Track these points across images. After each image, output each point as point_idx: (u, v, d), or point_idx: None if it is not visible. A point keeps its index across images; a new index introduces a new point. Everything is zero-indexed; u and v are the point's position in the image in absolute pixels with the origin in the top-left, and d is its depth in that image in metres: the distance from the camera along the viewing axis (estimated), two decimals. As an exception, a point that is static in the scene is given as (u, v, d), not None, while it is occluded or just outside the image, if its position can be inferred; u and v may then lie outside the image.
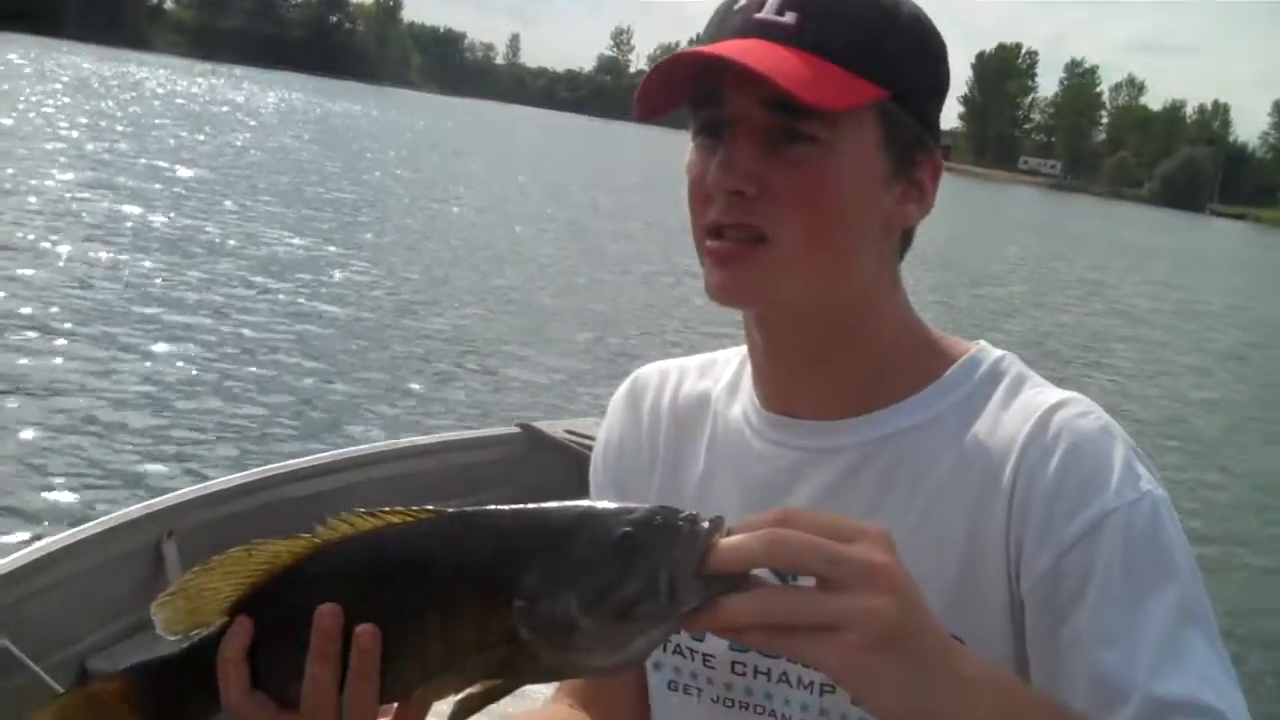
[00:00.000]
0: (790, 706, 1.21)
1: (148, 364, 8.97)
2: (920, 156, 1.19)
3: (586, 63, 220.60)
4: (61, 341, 9.10)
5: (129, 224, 14.97)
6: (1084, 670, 1.07)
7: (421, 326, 12.04)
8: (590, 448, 1.47)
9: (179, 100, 47.92)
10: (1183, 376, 17.19)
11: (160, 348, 9.48)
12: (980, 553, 1.14)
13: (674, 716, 1.31)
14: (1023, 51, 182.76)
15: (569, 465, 4.34)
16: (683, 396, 1.37)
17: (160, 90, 52.24)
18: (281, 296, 12.25)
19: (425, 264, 15.96)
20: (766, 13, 1.12)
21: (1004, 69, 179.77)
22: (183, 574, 2.92)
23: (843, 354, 1.22)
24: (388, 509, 0.93)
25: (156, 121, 33.34)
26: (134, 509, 3.27)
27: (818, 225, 1.13)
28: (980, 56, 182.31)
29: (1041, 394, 1.19)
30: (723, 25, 1.15)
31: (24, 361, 8.43)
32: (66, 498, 6.27)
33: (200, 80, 66.44)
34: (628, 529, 0.86)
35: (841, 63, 1.11)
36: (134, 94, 46.43)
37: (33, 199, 15.61)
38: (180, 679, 0.97)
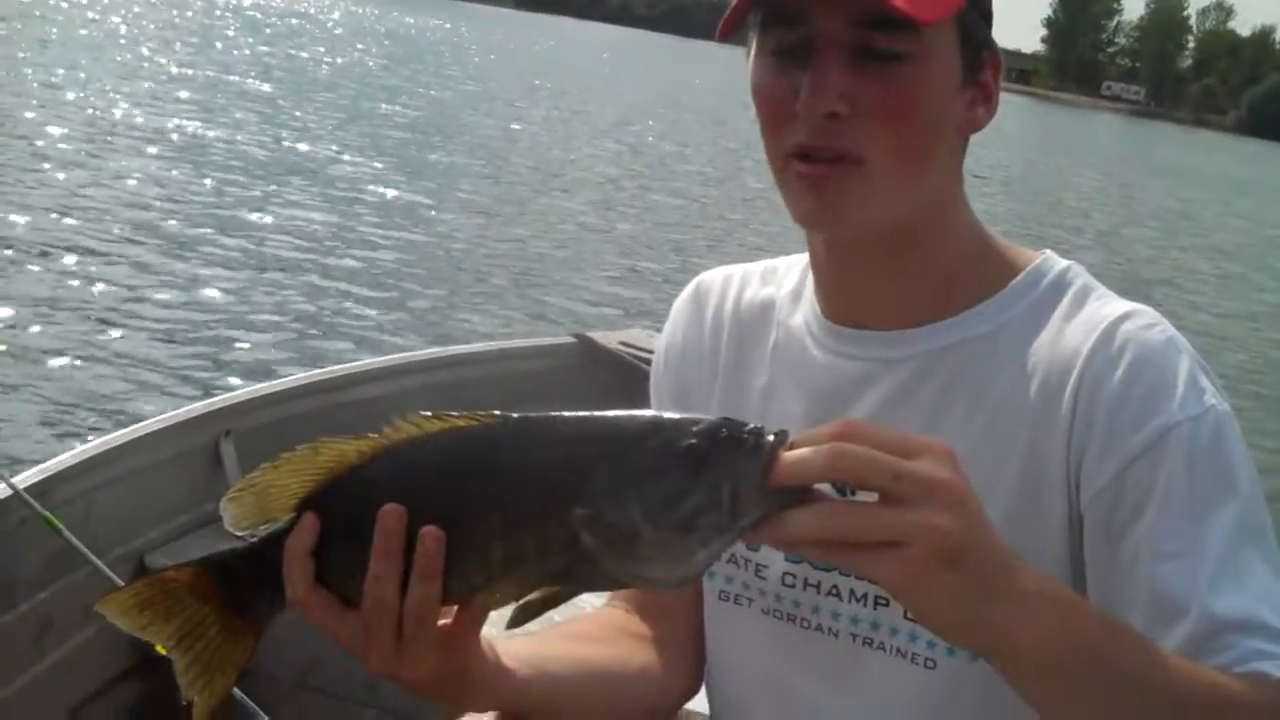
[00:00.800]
0: (839, 621, 1.22)
1: (208, 270, 9.05)
2: (986, 55, 1.18)
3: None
4: (125, 249, 9.20)
5: (190, 138, 15.03)
6: (1143, 583, 1.06)
7: (481, 238, 12.04)
8: (644, 360, 1.46)
9: (248, 11, 47.65)
10: (1269, 316, 16.51)
11: (221, 254, 9.58)
12: (1041, 464, 1.14)
13: (724, 627, 1.32)
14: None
15: (623, 376, 4.34)
16: (745, 303, 1.37)
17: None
18: (341, 208, 12.29)
19: (487, 179, 15.93)
20: None
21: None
22: (240, 473, 2.96)
23: (910, 264, 1.21)
24: (454, 413, 0.93)
25: (220, 34, 33.26)
26: (193, 407, 3.31)
27: (909, 142, 1.13)
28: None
29: (1107, 305, 1.18)
30: None
31: (89, 268, 8.51)
32: (127, 395, 6.37)
33: None
34: (692, 440, 0.86)
35: None
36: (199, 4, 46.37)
37: (96, 111, 15.63)
38: (248, 572, 0.98)
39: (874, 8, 1.07)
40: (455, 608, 0.97)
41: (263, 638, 1.00)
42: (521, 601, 0.93)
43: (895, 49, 1.10)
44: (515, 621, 0.94)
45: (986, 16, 1.18)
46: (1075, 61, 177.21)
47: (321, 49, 34.17)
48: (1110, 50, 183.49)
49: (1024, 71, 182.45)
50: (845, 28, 1.10)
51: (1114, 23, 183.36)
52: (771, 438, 0.85)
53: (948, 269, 1.22)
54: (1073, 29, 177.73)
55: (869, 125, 1.11)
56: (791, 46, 1.13)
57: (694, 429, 0.87)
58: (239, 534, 0.97)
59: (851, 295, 1.25)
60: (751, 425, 0.86)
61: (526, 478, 0.90)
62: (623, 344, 4.64)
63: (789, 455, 0.84)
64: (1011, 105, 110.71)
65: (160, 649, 0.98)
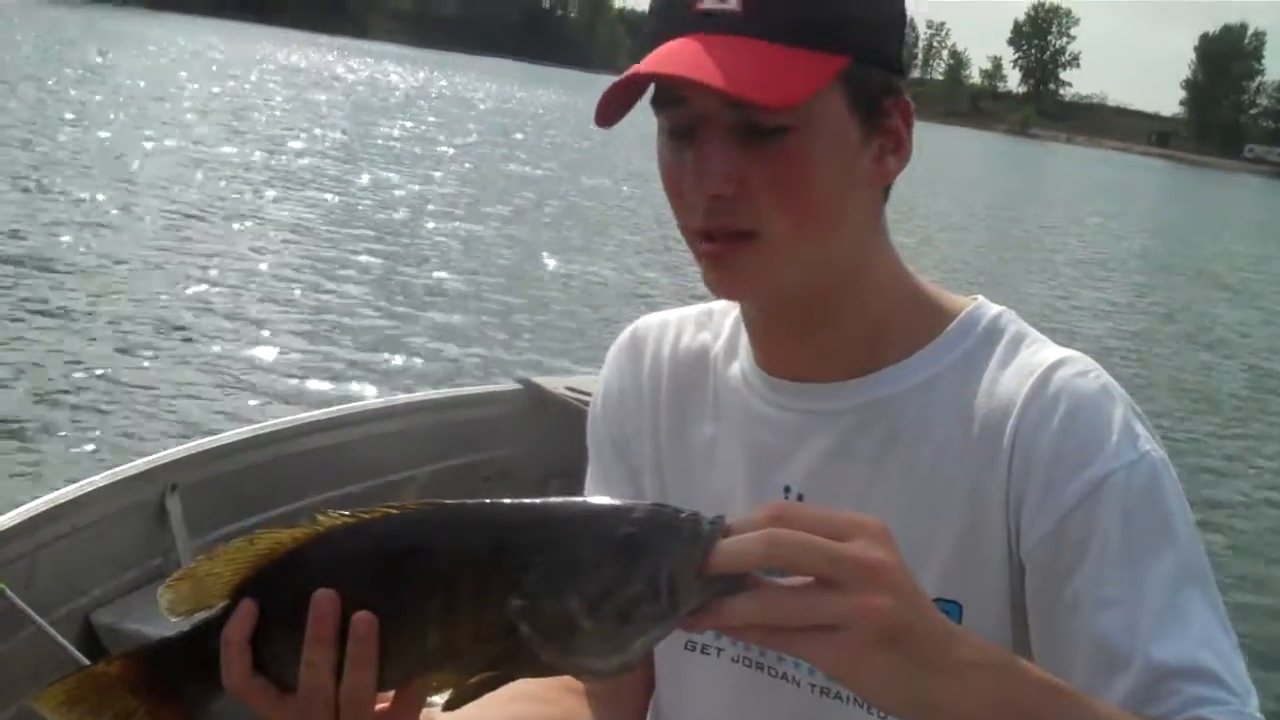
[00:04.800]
0: (800, 669, 1.22)
1: (147, 324, 8.94)
2: (888, 104, 1.16)
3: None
4: (70, 303, 9.09)
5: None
6: (1084, 633, 1.07)
7: (425, 283, 12.00)
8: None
9: (389, 88, 48.28)
10: None
11: (161, 309, 9.47)
12: (981, 514, 1.14)
13: (688, 677, 1.31)
14: (1249, 33, 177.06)
15: (570, 422, 4.31)
16: (683, 349, 1.36)
17: (374, 77, 53.12)
18: (279, 258, 12.20)
19: (427, 225, 15.86)
20: (710, 1, 1.09)
21: (1229, 51, 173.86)
22: (185, 528, 2.93)
23: (837, 318, 1.21)
24: (390, 504, 0.94)
25: (355, 108, 33.70)
26: (137, 463, 3.28)
27: (803, 210, 1.12)
28: (1204, 38, 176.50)
29: (1041, 352, 1.18)
30: (668, 19, 1.12)
31: (33, 320, 8.42)
32: (69, 452, 6.28)
33: (404, 68, 66.92)
34: (630, 528, 0.86)
35: (794, 41, 1.08)
36: (347, 80, 47.54)
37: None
38: (181, 661, 0.98)
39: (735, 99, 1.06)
40: (392, 693, 0.96)
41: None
42: (458, 686, 0.93)
43: (775, 124, 1.09)
44: (452, 705, 0.94)
45: (886, 61, 1.15)
46: (1216, 124, 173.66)
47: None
48: (1252, 111, 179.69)
49: (1163, 134, 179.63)
50: (722, 108, 1.09)
51: (1256, 84, 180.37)
52: (708, 524, 0.85)
53: (877, 320, 1.21)
54: (1213, 91, 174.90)
55: (758, 201, 1.10)
56: (679, 128, 1.13)
57: (630, 516, 0.87)
58: (175, 620, 0.97)
59: (783, 350, 1.25)
60: (688, 512, 0.86)
61: (462, 566, 0.90)
62: (569, 389, 4.65)
63: (725, 543, 0.84)
64: (1151, 170, 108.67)
65: None
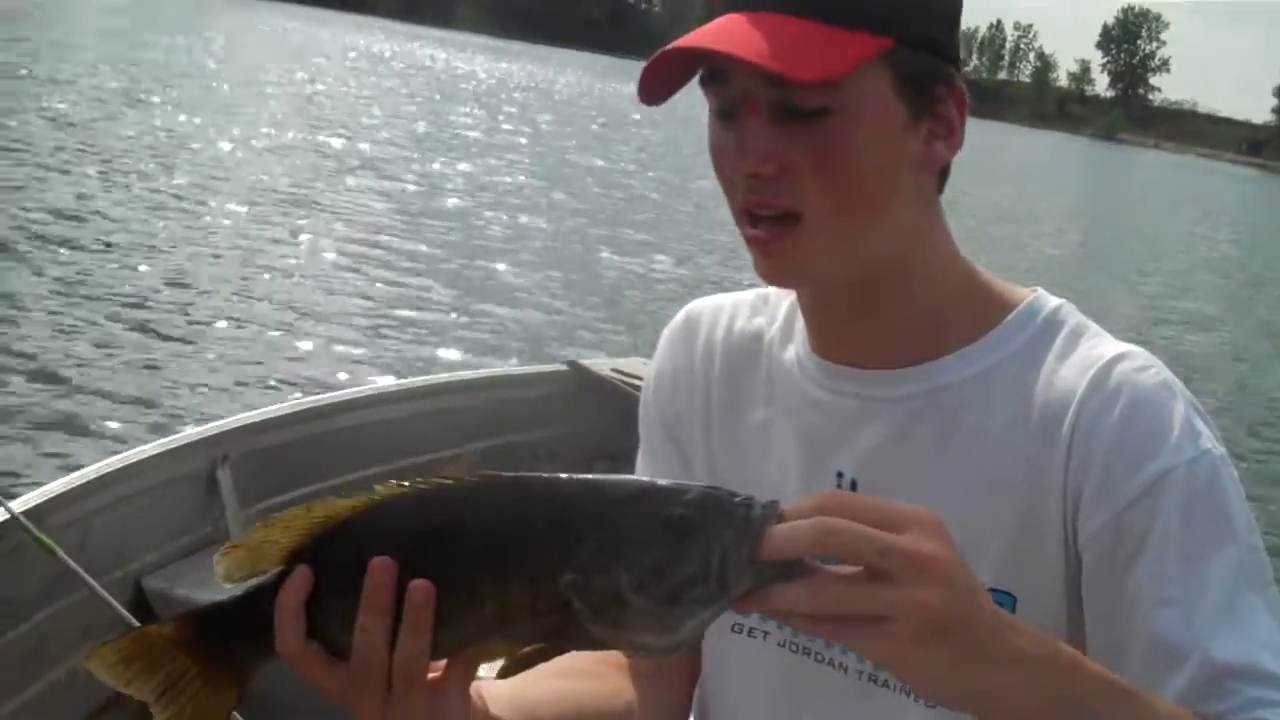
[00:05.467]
0: (848, 656, 1.22)
1: (203, 296, 9.07)
2: (940, 90, 1.15)
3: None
4: (127, 274, 9.24)
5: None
6: (1141, 629, 1.06)
7: (480, 268, 12.06)
8: (636, 387, 1.46)
9: (469, 77, 48.76)
10: None
11: (216, 280, 9.60)
12: (1037, 506, 1.14)
13: (733, 659, 1.31)
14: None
15: (615, 404, 4.35)
16: (737, 333, 1.35)
17: (455, 66, 53.74)
18: (330, 238, 12.32)
19: (478, 205, 15.94)
20: None
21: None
22: (236, 498, 2.99)
23: (893, 304, 1.20)
24: (446, 475, 0.94)
25: (433, 97, 33.93)
26: (190, 433, 3.34)
27: (845, 192, 1.11)
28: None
29: (1100, 345, 1.18)
30: None
31: (89, 292, 8.55)
32: (124, 420, 6.39)
33: (486, 58, 67.37)
34: (684, 510, 0.87)
35: (834, 20, 1.08)
36: (428, 68, 48.12)
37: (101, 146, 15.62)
38: (234, 625, 0.99)
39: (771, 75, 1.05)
40: (444, 661, 0.97)
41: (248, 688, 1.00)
42: (509, 656, 0.94)
43: (813, 104, 1.08)
44: (504, 675, 0.95)
45: (939, 48, 1.15)
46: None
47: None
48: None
49: (1255, 142, 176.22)
50: (763, 87, 1.09)
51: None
52: (760, 509, 0.86)
53: (933, 308, 1.21)
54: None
55: (800, 181, 1.10)
56: (724, 107, 1.13)
57: (684, 498, 0.88)
58: (229, 587, 0.97)
59: (839, 335, 1.24)
60: (741, 496, 0.87)
61: (518, 538, 0.91)
62: (615, 371, 4.67)
63: (777, 529, 0.84)
64: (1241, 178, 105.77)
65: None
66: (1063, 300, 1.24)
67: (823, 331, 1.26)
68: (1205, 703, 1.01)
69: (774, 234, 1.12)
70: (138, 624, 2.59)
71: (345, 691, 0.96)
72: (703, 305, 1.41)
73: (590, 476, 0.93)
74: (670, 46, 1.10)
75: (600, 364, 4.84)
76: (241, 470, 3.31)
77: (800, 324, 1.30)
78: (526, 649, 0.93)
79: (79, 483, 2.83)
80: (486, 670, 0.99)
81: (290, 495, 3.45)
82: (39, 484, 2.85)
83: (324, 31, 65.41)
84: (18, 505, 2.58)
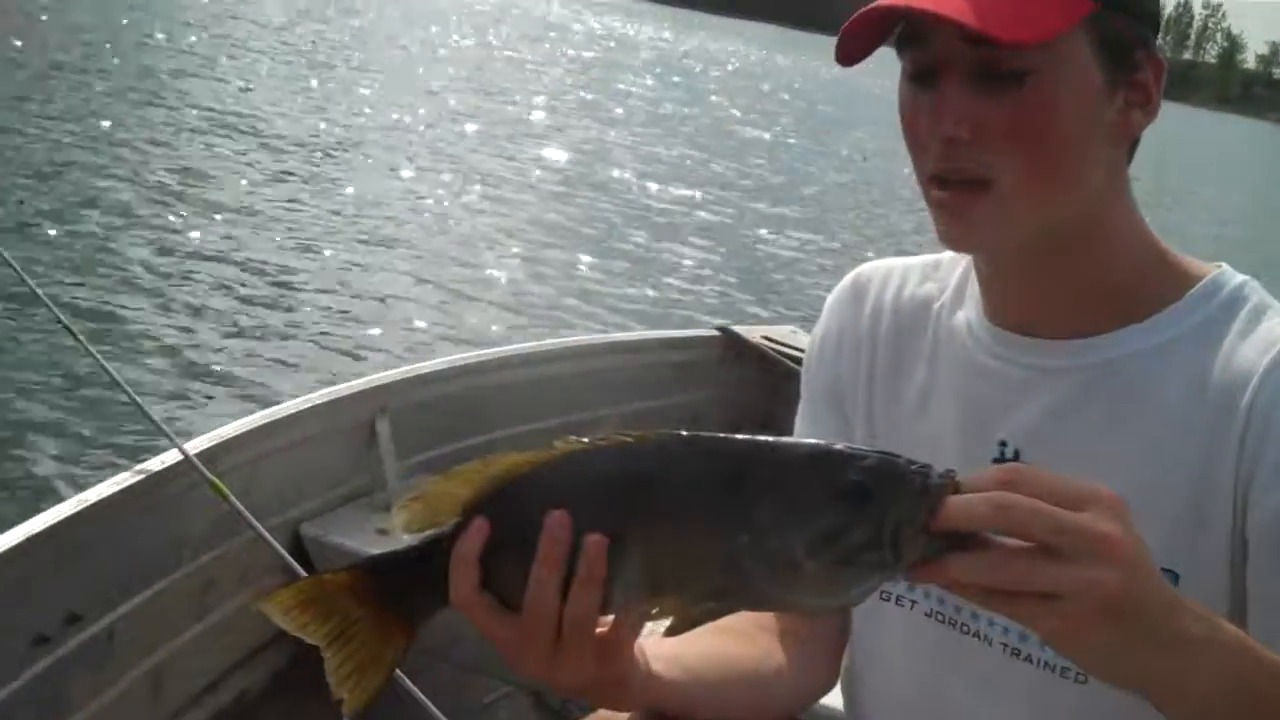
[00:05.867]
0: (994, 629, 1.21)
1: (371, 253, 9.30)
2: (1140, 56, 1.13)
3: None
4: (298, 230, 9.52)
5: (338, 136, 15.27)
6: None
7: (638, 234, 12.12)
8: (788, 356, 1.47)
9: (634, 45, 49.45)
10: None
11: (383, 238, 9.85)
12: (1208, 485, 1.11)
13: (880, 627, 1.32)
14: None
15: (766, 371, 4.34)
16: (906, 298, 1.34)
17: (619, 33, 54.47)
18: (511, 202, 12.49)
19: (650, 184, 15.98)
20: None
21: None
22: (394, 449, 3.07)
23: (1074, 272, 1.18)
24: (624, 432, 0.95)
25: (596, 64, 34.45)
26: (352, 384, 3.41)
27: (1040, 160, 1.10)
28: None
29: None
30: None
31: (263, 249, 8.84)
32: (290, 371, 6.60)
33: (652, 26, 68.19)
34: (860, 476, 0.87)
35: None
36: (593, 34, 48.87)
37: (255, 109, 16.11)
38: (408, 573, 1.01)
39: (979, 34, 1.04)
40: (613, 617, 0.98)
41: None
42: (676, 615, 0.94)
43: (1016, 68, 1.07)
44: (672, 632, 0.95)
45: (1141, 16, 1.13)
46: None
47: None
48: None
49: None
50: (962, 48, 1.08)
51: None
52: (938, 479, 0.85)
53: (1116, 279, 1.19)
54: None
55: (994, 147, 1.09)
56: (921, 69, 1.12)
57: (861, 464, 0.88)
58: (408, 537, 0.99)
59: (1016, 301, 1.23)
60: (919, 465, 0.86)
61: (693, 498, 0.91)
62: (766, 339, 4.64)
63: (954, 500, 0.84)
64: None
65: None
66: (1247, 277, 1.21)
67: (997, 298, 1.24)
68: None
69: (961, 198, 1.11)
70: (300, 569, 2.70)
71: (514, 643, 0.97)
72: (872, 269, 1.40)
73: (767, 438, 0.93)
74: (874, 4, 1.09)
75: (752, 331, 4.82)
76: (400, 423, 3.38)
77: (973, 290, 1.28)
78: (695, 608, 0.93)
79: (247, 429, 2.92)
80: (651, 627, 1.00)
81: (445, 449, 3.52)
82: (209, 429, 2.96)
83: None
84: (191, 447, 2.68)
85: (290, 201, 10.33)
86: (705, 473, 0.92)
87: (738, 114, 27.55)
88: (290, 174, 11.39)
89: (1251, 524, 1.09)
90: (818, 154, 22.05)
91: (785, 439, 0.94)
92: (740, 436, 0.93)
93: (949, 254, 1.35)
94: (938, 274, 1.35)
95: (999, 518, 0.83)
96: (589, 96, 24.82)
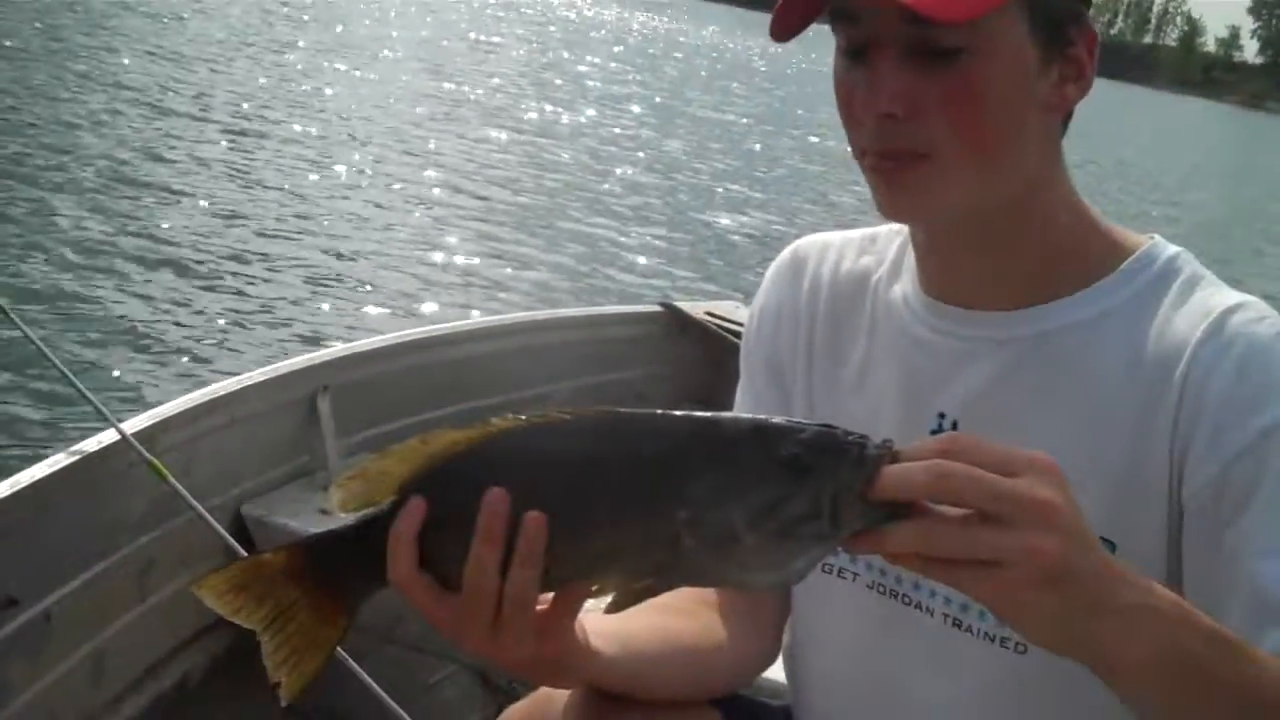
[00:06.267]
0: (935, 599, 1.22)
1: (310, 228, 9.22)
2: (1072, 31, 1.14)
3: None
4: (235, 205, 9.39)
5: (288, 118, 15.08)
6: (1244, 580, 1.06)
7: (579, 210, 12.08)
8: (730, 331, 1.47)
9: (597, 24, 49.06)
10: None
11: (322, 213, 9.74)
12: (1144, 455, 1.13)
13: (822, 599, 1.32)
14: None
15: (709, 346, 4.35)
16: (844, 272, 1.35)
17: (587, 14, 53.92)
18: (438, 175, 12.42)
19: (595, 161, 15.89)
20: None
21: None
22: (335, 428, 3.03)
23: (1010, 244, 1.19)
24: (562, 409, 0.94)
25: (559, 43, 34.22)
26: (293, 361, 3.37)
27: (976, 134, 1.10)
28: None
29: (1217, 295, 1.16)
30: None
31: (195, 221, 8.72)
32: (228, 347, 6.53)
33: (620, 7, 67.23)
34: (797, 448, 0.87)
35: None
36: (558, 15, 48.20)
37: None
38: (346, 554, 1.00)
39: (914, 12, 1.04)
40: (553, 594, 0.98)
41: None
42: (617, 591, 0.94)
43: (950, 44, 1.07)
44: (614, 607, 0.95)
45: None
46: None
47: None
48: None
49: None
50: (897, 26, 1.08)
51: None
52: (875, 449, 0.86)
53: (1050, 251, 1.20)
54: None
55: (931, 123, 1.09)
56: (854, 46, 1.12)
57: (799, 436, 0.88)
58: (344, 516, 0.98)
59: (952, 274, 1.23)
60: (856, 435, 0.87)
61: (631, 474, 0.91)
62: (709, 314, 4.65)
63: (891, 469, 0.85)
64: None
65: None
66: (1180, 249, 1.22)
67: (934, 270, 1.25)
68: None
69: (899, 173, 1.12)
70: (241, 550, 2.68)
71: (453, 621, 0.97)
72: (810, 243, 1.41)
73: (705, 414, 0.93)
74: None
75: (695, 306, 4.83)
76: (341, 400, 3.35)
77: (909, 263, 1.29)
78: (636, 584, 0.93)
79: (186, 407, 2.88)
80: (592, 605, 1.00)
81: (387, 427, 3.50)
82: (147, 407, 2.91)
83: None
84: (129, 427, 2.64)
85: (230, 178, 10.20)
86: (643, 449, 0.92)
87: (693, 94, 27.45)
88: (231, 151, 11.23)
89: (1187, 493, 1.11)
90: (769, 135, 22.03)
91: (723, 414, 0.94)
92: (678, 412, 0.93)
93: (886, 227, 1.35)
94: (875, 247, 1.35)
95: (937, 486, 0.84)
96: (543, 76, 24.62)
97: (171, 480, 2.60)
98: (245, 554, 2.59)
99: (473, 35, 31.74)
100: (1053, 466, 0.87)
